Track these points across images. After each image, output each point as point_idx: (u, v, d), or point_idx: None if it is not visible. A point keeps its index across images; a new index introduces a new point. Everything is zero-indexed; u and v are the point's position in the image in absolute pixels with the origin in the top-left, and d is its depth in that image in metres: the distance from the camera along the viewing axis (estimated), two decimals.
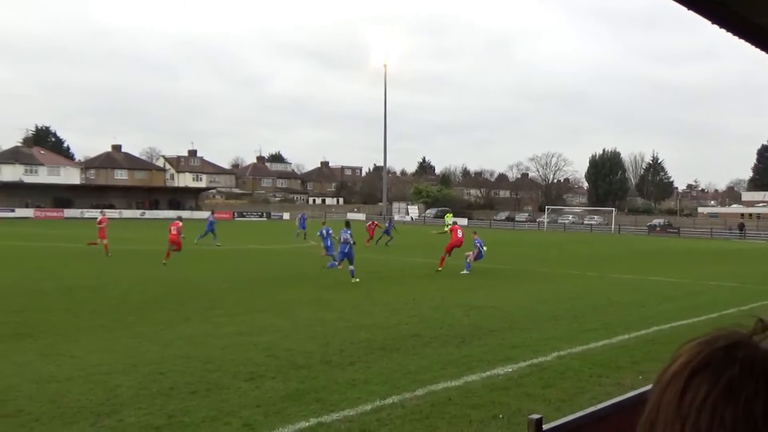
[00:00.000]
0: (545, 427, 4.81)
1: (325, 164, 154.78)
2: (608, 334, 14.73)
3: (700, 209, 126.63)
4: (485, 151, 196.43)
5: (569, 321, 16.45)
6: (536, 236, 66.15)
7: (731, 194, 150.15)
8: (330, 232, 27.95)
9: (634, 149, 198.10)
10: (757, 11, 6.19)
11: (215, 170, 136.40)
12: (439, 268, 27.75)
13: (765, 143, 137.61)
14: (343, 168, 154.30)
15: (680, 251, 46.57)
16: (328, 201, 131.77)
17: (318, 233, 28.83)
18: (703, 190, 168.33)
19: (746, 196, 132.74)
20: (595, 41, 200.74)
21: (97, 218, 33.97)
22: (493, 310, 17.92)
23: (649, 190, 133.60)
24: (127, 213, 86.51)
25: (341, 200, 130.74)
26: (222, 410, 8.80)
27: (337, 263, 24.88)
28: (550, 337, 14.25)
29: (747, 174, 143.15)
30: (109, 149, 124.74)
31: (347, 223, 25.39)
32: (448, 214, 63.55)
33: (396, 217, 75.73)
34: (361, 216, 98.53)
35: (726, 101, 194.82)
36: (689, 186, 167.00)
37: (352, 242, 24.49)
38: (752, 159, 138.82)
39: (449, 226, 29.77)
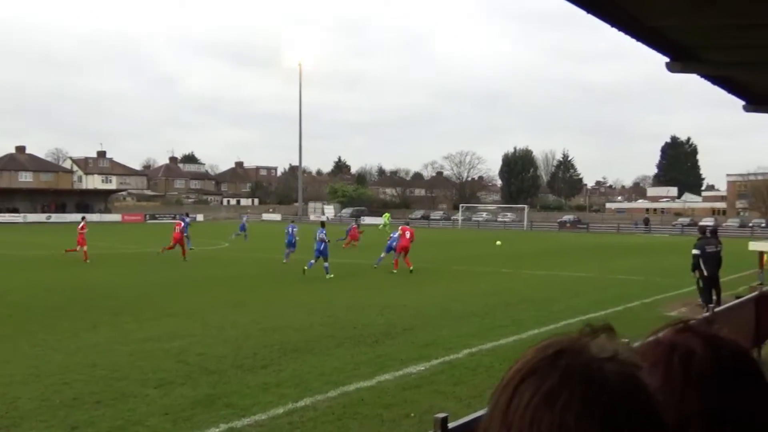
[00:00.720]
0: (451, 425, 4.86)
1: (239, 164, 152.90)
2: (519, 329, 15.02)
3: (608, 205, 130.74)
4: (401, 149, 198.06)
5: (481, 318, 16.70)
6: (451, 234, 67.04)
7: (637, 190, 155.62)
8: (295, 229, 30.24)
9: (545, 147, 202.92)
10: (651, 15, 6.41)
11: (126, 172, 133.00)
12: (394, 270, 27.45)
13: (668, 141, 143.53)
14: (258, 168, 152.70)
15: (589, 246, 47.91)
16: (243, 202, 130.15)
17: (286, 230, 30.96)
18: (611, 186, 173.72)
19: (651, 191, 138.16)
20: (509, 41, 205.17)
21: (79, 223, 32.81)
22: (407, 308, 18.03)
23: (560, 187, 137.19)
24: (32, 217, 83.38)
25: (256, 201, 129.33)
26: (129, 419, 8.57)
27: (313, 261, 25.65)
28: (462, 334, 14.42)
29: (652, 170, 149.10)
30: (12, 150, 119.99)
31: (322, 224, 27.27)
32: (386, 214, 63.97)
33: (311, 217, 75.30)
34: (277, 216, 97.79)
35: (633, 100, 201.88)
36: (598, 182, 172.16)
37: (327, 240, 25.65)
38: (657, 156, 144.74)
39: (387, 225, 30.15)
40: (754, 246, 20.30)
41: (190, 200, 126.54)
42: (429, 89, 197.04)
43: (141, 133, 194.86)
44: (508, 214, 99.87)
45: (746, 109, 10.67)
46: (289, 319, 16.07)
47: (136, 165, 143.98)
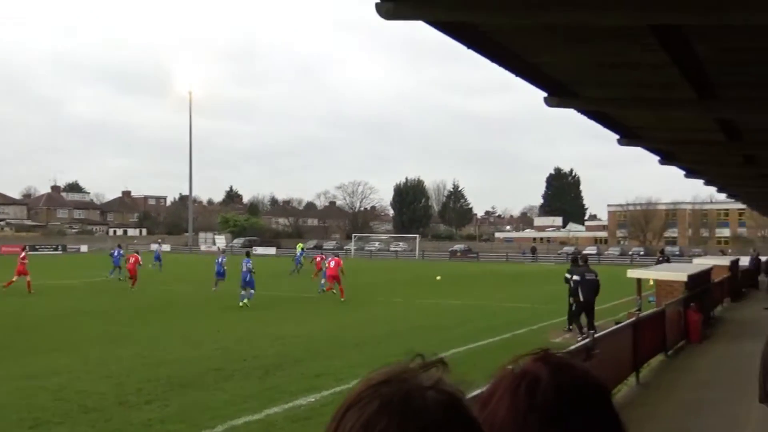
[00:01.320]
0: None
1: (126, 194, 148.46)
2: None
3: (497, 234, 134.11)
4: (294, 179, 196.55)
5: (373, 347, 16.73)
6: (344, 263, 67.08)
7: (525, 220, 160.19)
8: (224, 260, 30.82)
9: (436, 177, 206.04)
10: (530, 52, 6.68)
11: (3, 200, 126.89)
12: (342, 299, 28.26)
13: (552, 172, 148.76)
14: (146, 197, 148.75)
15: (479, 275, 48.88)
16: (131, 232, 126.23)
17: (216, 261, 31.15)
18: (499, 216, 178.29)
19: (537, 221, 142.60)
20: (400, 72, 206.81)
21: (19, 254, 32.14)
22: (299, 339, 17.88)
23: (451, 216, 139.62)
24: None
25: (144, 231, 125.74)
26: None
27: (248, 291, 26.19)
28: (353, 364, 14.39)
29: (538, 201, 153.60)
30: None
31: (248, 254, 28.46)
32: (299, 244, 64.45)
33: (202, 248, 73.50)
34: (167, 247, 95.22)
35: (520, 132, 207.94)
36: (487, 212, 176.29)
37: (252, 271, 26.48)
38: (542, 187, 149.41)
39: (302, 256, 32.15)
40: (633, 273, 21.18)
41: (73, 231, 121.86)
42: (321, 118, 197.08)
43: (20, 160, 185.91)
44: (401, 243, 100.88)
45: (620, 142, 11.23)
46: (176, 352, 15.64)
47: (15, 194, 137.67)
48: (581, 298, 18.35)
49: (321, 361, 14.71)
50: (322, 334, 18.88)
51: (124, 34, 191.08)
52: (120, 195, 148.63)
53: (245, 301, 25.81)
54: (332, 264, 30.10)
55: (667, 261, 30.57)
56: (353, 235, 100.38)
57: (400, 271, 49.26)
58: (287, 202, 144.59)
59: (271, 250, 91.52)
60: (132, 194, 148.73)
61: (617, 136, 11.15)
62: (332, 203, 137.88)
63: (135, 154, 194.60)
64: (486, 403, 1.09)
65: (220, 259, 32.50)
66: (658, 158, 14.52)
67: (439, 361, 0.94)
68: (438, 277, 45.44)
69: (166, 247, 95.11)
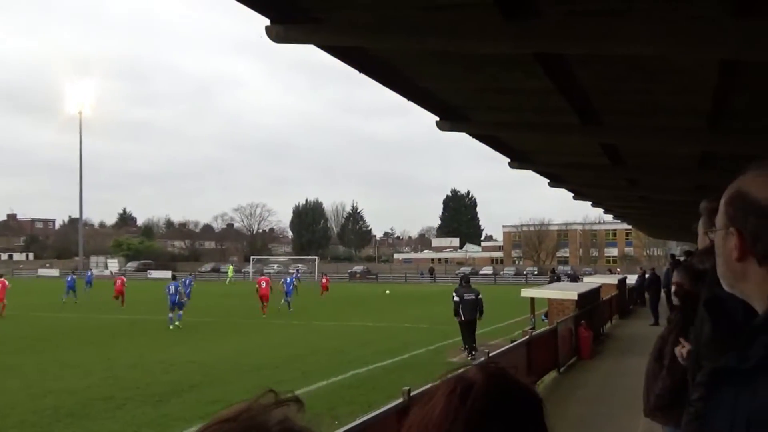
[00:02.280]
0: None
1: (12, 217, 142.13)
2: (307, 381, 15.05)
3: (396, 255, 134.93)
4: (190, 201, 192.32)
5: (271, 371, 16.57)
6: (242, 287, 66.14)
7: (423, 241, 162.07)
8: (179, 288, 28.90)
9: (336, 199, 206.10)
10: (421, 77, 6.84)
11: None
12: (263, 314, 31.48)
13: (449, 194, 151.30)
14: (33, 221, 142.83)
15: (378, 296, 49.12)
16: (16, 256, 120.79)
17: (166, 289, 28.97)
18: (398, 237, 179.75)
19: (435, 242, 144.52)
20: (299, 92, 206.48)
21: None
22: (195, 365, 17.51)
23: (350, 238, 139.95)
24: None
25: (31, 255, 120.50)
26: None
27: (177, 312, 27.53)
28: (250, 389, 14.13)
29: (436, 222, 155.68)
30: None
31: (174, 277, 31.03)
32: (230, 266, 64.32)
33: (95, 272, 70.92)
34: (54, 272, 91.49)
35: (417, 154, 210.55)
36: (386, 234, 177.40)
37: (181, 292, 28.34)
38: (440, 208, 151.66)
39: (231, 278, 33.90)
40: (526, 293, 21.77)
41: None
42: (218, 140, 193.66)
43: None
44: (299, 265, 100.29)
45: (511, 165, 11.59)
46: (64, 382, 15.04)
47: None
48: (462, 318, 18.98)
49: (218, 387, 14.45)
50: (217, 359, 18.56)
51: (8, 51, 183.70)
52: (5, 218, 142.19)
53: (176, 323, 26.90)
54: (264, 284, 33.20)
55: (559, 280, 31.54)
56: (251, 257, 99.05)
57: (300, 293, 48.92)
58: (183, 225, 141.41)
59: (167, 274, 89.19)
60: (18, 217, 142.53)
61: (508, 159, 11.50)
62: (230, 225, 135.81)
63: (21, 175, 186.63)
64: (424, 404, 1.17)
65: (172, 287, 29.08)
66: (547, 181, 15.03)
67: (293, 398, 0.96)
68: (387, 291, 45.52)
69: (53, 272, 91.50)
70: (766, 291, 1.38)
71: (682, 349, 3.97)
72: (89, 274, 51.98)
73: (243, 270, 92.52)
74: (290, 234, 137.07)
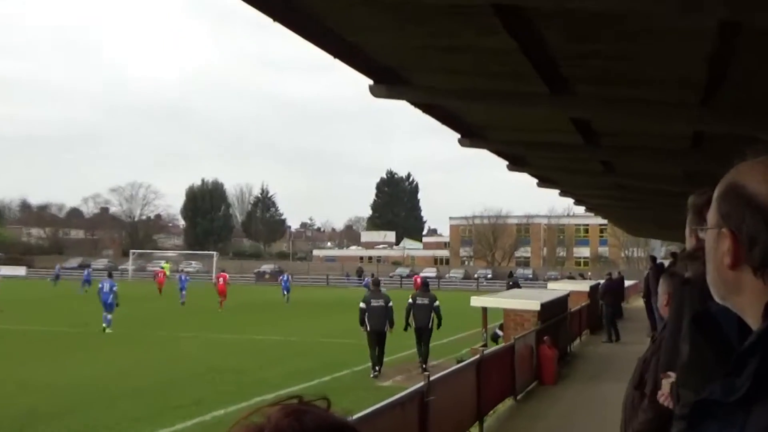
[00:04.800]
0: None
1: None
2: (201, 409, 14.97)
3: (316, 252, 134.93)
4: (54, 178, 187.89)
5: (154, 396, 16.42)
6: (119, 288, 65.18)
7: (350, 234, 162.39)
8: (115, 288, 31.15)
9: (240, 180, 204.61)
10: (352, 30, 6.82)
11: None
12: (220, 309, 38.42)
13: (384, 176, 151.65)
14: None
15: (293, 303, 49.01)
16: None
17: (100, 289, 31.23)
18: (319, 229, 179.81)
19: (365, 236, 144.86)
20: (192, 43, 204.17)
21: None
22: (54, 388, 17.23)
23: (258, 229, 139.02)
24: None
25: None
26: None
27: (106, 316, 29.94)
28: (128, 418, 14.10)
29: (366, 211, 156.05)
30: None
31: (110, 274, 33.92)
32: (165, 264, 66.77)
33: None
34: None
35: (346, 125, 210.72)
36: (304, 225, 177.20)
37: (113, 291, 30.36)
38: (372, 194, 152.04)
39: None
40: (477, 301, 21.91)
41: None
42: (95, 101, 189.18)
43: None
44: (193, 262, 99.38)
45: (461, 142, 11.67)
46: None
47: None
48: (368, 328, 20.29)
49: (86, 415, 14.31)
50: (84, 380, 18.33)
51: None
52: None
53: (104, 325, 29.34)
54: (221, 280, 41.06)
55: (517, 286, 32.01)
56: (131, 251, 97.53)
57: (192, 297, 48.46)
58: (44, 208, 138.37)
59: (21, 271, 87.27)
60: None
61: (458, 135, 11.58)
62: (104, 210, 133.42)
63: None
64: None
65: (105, 285, 31.70)
66: (506, 163, 15.20)
67: (322, 397, 1.09)
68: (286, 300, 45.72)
69: None
70: (762, 306, 1.40)
71: (668, 380, 3.99)
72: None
73: (120, 267, 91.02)
74: (182, 223, 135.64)
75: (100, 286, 31.58)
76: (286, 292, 51.99)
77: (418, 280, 54.98)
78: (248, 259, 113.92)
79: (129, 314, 33.31)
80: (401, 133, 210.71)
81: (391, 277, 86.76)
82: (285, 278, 53.91)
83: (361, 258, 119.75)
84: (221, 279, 43.93)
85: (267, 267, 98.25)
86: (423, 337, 20.67)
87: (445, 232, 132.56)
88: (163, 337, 28.04)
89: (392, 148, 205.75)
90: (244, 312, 40.79)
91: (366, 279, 65.50)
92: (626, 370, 5.35)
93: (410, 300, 21.14)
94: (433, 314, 20.64)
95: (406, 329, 21.12)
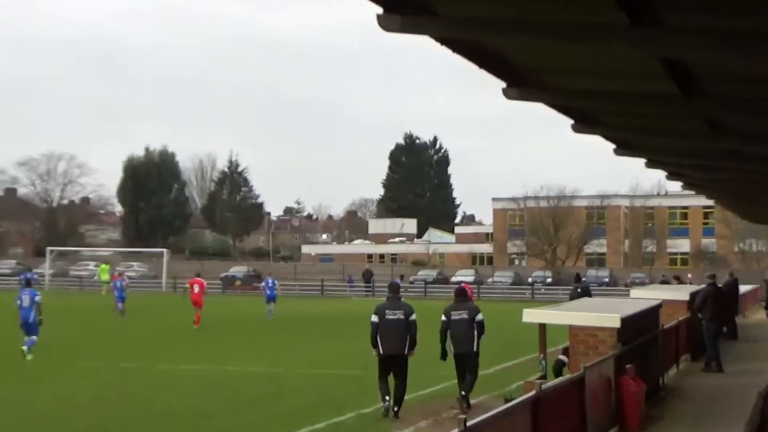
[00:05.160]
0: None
1: None
2: None
3: (306, 249, 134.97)
4: None
5: None
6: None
7: (354, 224, 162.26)
8: (36, 297, 31.76)
9: (199, 149, 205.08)
10: None
11: None
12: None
13: (401, 142, 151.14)
14: None
15: (275, 319, 49.03)
16: None
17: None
18: (310, 217, 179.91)
19: (375, 225, 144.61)
20: None
21: None
22: None
23: (225, 218, 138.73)
24: None
25: None
26: None
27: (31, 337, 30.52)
28: None
29: (376, 191, 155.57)
30: None
31: (29, 283, 34.32)
32: (103, 265, 68.10)
33: None
34: None
35: (346, 70, 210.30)
36: (289, 211, 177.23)
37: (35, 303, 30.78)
38: (384, 167, 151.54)
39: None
40: (533, 316, 21.87)
41: None
42: (4, 42, 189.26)
43: None
44: (135, 264, 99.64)
45: (508, 94, 11.67)
46: None
47: None
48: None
49: None
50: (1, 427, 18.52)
51: None
52: None
53: (25, 348, 29.77)
54: (196, 288, 43.44)
55: (587, 294, 32.00)
56: (48, 249, 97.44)
57: (135, 313, 48.58)
58: None
59: None
60: None
61: (503, 84, 11.58)
62: (10, 192, 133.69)
63: None
64: None
65: (26, 296, 32.02)
66: (570, 122, 15.16)
67: None
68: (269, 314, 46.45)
69: None
70: None
71: None
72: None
73: (34, 270, 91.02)
74: (119, 209, 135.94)
75: (17, 300, 31.26)
76: (270, 303, 52.08)
77: (466, 289, 55.45)
78: (211, 259, 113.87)
79: (51, 335, 33.40)
80: (423, 83, 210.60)
81: (411, 282, 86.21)
82: (270, 283, 53.43)
83: (370, 256, 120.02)
84: (196, 286, 44.46)
85: (238, 270, 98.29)
86: (467, 364, 20.82)
87: (486, 220, 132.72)
88: (99, 368, 28.14)
89: (411, 103, 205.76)
90: (211, 333, 40.82)
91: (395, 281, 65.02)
92: (745, 409, 5.39)
93: (444, 317, 21.10)
94: (475, 332, 20.77)
95: (443, 357, 21.17)
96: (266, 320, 48.84)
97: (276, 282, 54.76)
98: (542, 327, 22.04)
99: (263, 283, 56.27)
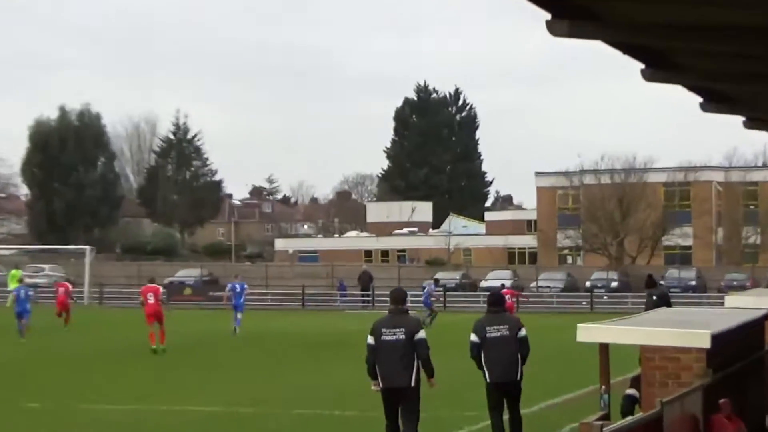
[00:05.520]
0: None
1: None
2: None
3: (281, 244, 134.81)
4: None
5: None
6: None
7: (347, 209, 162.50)
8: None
9: (134, 109, 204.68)
10: None
11: None
12: (153, 346, 42.75)
13: (412, 96, 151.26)
14: None
15: (239, 341, 49.24)
16: None
17: None
18: (287, 200, 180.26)
19: (375, 211, 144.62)
20: None
21: None
22: None
23: (171, 202, 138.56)
24: None
25: None
26: None
27: None
28: None
29: (378, 164, 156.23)
30: None
31: None
32: (14, 271, 69.12)
33: None
34: None
35: (339, 7, 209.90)
36: (257, 192, 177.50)
37: None
38: (388, 130, 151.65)
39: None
40: (591, 333, 21.90)
41: None
42: None
43: None
44: (46, 267, 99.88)
45: (552, 29, 11.67)
46: None
47: None
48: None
49: None
50: None
51: None
52: None
53: None
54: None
55: (665, 302, 32.02)
56: None
57: (45, 334, 48.81)
58: None
59: None
60: None
61: (547, 14, 11.61)
62: None
63: None
64: None
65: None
66: (641, 65, 15.18)
67: None
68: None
69: None
70: None
71: None
72: None
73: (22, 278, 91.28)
74: (24, 191, 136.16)
75: None
76: (236, 314, 53.55)
77: (504, 296, 56.17)
78: (152, 259, 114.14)
79: None
80: (438, 17, 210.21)
81: (424, 289, 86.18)
82: (237, 288, 53.94)
83: (368, 254, 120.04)
84: (151, 295, 46.01)
85: (187, 274, 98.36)
86: (508, 396, 20.66)
87: (528, 203, 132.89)
88: None
89: (423, 45, 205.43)
90: (151, 360, 40.98)
91: (429, 286, 65.73)
92: None
93: (475, 336, 20.70)
94: (519, 354, 20.51)
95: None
96: (230, 339, 49.08)
97: (246, 286, 55.42)
98: (604, 348, 22.04)
99: (228, 288, 56.86)
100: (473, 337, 20.55)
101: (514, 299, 60.39)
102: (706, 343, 18.95)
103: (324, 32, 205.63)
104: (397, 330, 19.55)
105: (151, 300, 45.13)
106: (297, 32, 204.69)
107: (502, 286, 69.10)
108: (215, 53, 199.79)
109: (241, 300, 54.12)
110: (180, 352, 44.69)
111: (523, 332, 20.60)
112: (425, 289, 64.94)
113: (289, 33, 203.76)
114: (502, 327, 20.54)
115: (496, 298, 21.99)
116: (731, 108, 20.15)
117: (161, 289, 48.24)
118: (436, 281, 72.73)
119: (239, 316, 52.98)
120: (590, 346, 21.61)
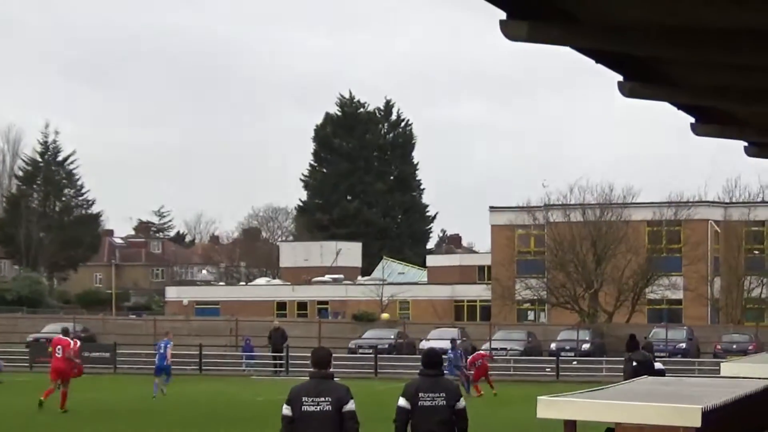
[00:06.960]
0: None
1: None
2: None
3: (174, 292, 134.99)
4: None
5: None
6: None
7: (253, 249, 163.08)
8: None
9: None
10: None
11: None
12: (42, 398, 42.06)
13: (333, 111, 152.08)
14: None
15: (116, 414, 49.30)
16: None
17: None
18: (180, 237, 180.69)
19: (289, 253, 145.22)
20: None
21: None
22: None
23: (36, 239, 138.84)
24: None
25: None
26: None
27: None
28: None
29: (293, 194, 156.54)
30: None
31: None
32: None
33: None
34: None
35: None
36: (144, 227, 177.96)
37: None
38: (306, 151, 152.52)
39: None
40: (554, 409, 22.07)
41: None
42: None
43: None
44: None
45: (508, 31, 11.73)
46: None
47: None
48: None
49: None
50: None
51: None
52: None
53: None
54: (59, 352, 47.45)
55: (647, 369, 32.22)
56: None
57: None
58: None
59: None
60: None
61: (502, 13, 11.66)
62: None
63: None
64: None
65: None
66: (620, 78, 15.29)
67: None
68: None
69: None
70: None
71: None
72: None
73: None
74: None
75: None
76: (162, 377, 55.81)
77: (480, 362, 56.54)
78: (13, 310, 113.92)
79: None
80: (370, 14, 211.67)
81: (350, 350, 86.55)
82: (161, 347, 55.29)
83: (281, 306, 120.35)
84: (59, 349, 47.28)
85: (55, 329, 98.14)
86: None
87: (481, 244, 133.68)
88: None
89: (350, 47, 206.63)
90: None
91: (450, 353, 65.69)
92: None
93: (403, 400, 20.58)
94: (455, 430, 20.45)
95: None
96: (151, 398, 49.68)
97: (170, 344, 56.31)
98: (570, 427, 22.18)
99: (156, 346, 58.33)
100: (402, 402, 20.40)
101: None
102: (696, 422, 19.04)
103: (232, 26, 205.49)
104: (321, 399, 19.17)
105: (59, 354, 46.78)
106: (198, 25, 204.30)
107: (473, 348, 69.72)
108: (88, 52, 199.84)
109: (164, 360, 55.83)
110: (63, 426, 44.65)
111: (462, 403, 20.40)
112: (448, 356, 60.95)
113: (189, 24, 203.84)
114: (437, 395, 20.26)
115: (432, 359, 21.34)
116: (731, 131, 20.31)
117: (75, 343, 49.28)
118: (453, 342, 72.49)
119: (166, 380, 55.69)
120: (554, 424, 21.75)
